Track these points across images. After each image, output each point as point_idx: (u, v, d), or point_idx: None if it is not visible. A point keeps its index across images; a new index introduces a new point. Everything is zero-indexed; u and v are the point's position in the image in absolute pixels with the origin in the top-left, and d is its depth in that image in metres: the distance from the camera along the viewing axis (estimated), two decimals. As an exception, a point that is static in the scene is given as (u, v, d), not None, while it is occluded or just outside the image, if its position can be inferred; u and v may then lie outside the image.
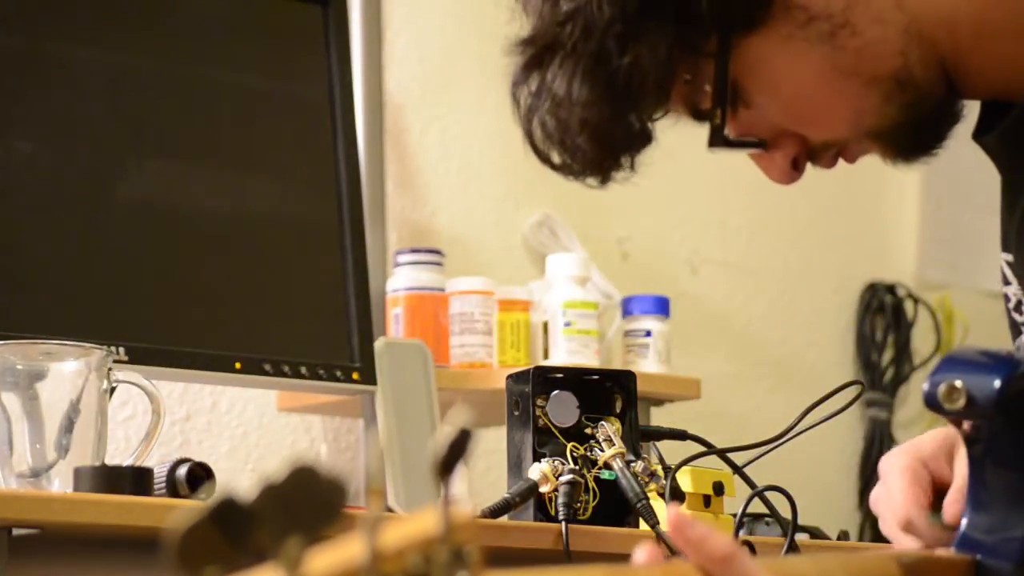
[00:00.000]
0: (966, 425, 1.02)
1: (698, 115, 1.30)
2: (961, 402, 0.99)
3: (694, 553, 0.78)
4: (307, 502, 0.57)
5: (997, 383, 0.99)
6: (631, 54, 1.23)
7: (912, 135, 1.26)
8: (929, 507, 1.14)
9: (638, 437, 1.67)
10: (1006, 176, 1.28)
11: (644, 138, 1.30)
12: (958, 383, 0.99)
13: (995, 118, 1.27)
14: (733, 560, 0.78)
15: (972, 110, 1.30)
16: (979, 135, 1.28)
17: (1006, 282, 1.29)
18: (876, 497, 1.17)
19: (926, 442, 1.18)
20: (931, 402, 1.00)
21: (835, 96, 1.25)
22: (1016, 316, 1.28)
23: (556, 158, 1.32)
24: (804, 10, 1.23)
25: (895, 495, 1.14)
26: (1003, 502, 1.02)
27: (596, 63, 1.24)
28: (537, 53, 1.27)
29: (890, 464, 1.17)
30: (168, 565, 0.55)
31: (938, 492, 1.16)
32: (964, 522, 1.03)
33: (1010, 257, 1.27)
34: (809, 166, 1.34)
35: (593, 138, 1.28)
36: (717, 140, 1.29)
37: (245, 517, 0.56)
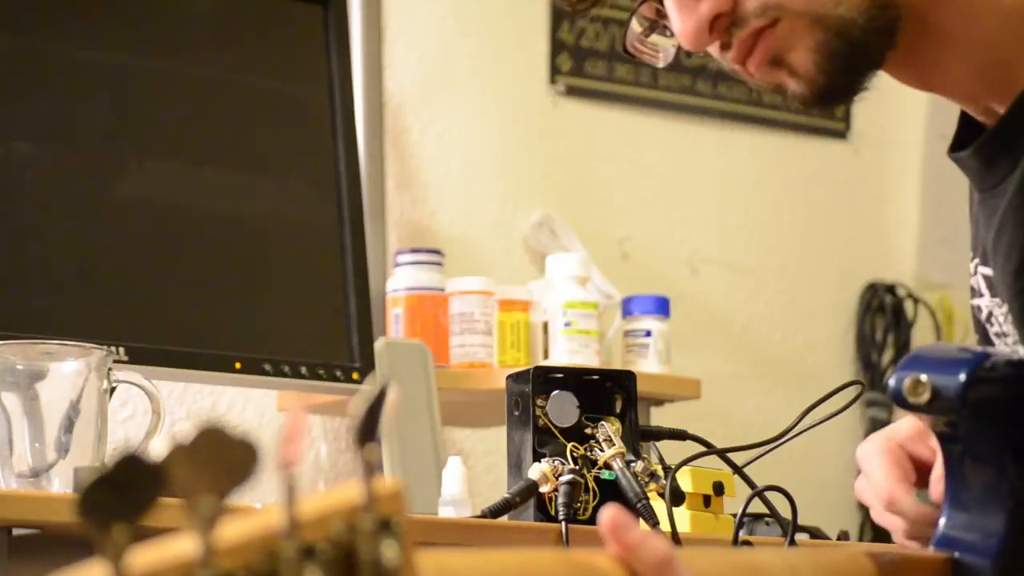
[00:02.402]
0: (941, 423, 1.02)
1: None
2: (926, 396, 0.99)
3: (630, 557, 0.76)
4: (218, 462, 0.56)
5: (962, 377, 0.99)
6: None
7: (845, 47, 1.22)
8: (913, 485, 1.14)
9: (638, 437, 1.67)
10: (982, 192, 1.26)
11: None
12: (923, 377, 0.99)
13: (970, 136, 1.26)
14: (669, 566, 0.77)
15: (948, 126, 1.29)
16: (954, 151, 1.27)
17: (978, 294, 1.28)
18: (859, 487, 1.17)
19: (902, 427, 1.17)
20: (896, 397, 1.00)
21: None
22: (988, 327, 1.28)
23: None
24: None
25: (876, 476, 1.13)
26: (980, 500, 1.02)
27: None
28: None
29: (867, 450, 1.16)
30: (76, 519, 0.54)
31: (920, 472, 1.16)
32: (942, 521, 1.03)
33: (989, 271, 1.27)
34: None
35: None
36: None
37: (155, 476, 0.55)
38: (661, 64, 1.32)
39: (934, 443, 1.10)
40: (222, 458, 0.56)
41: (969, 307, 1.32)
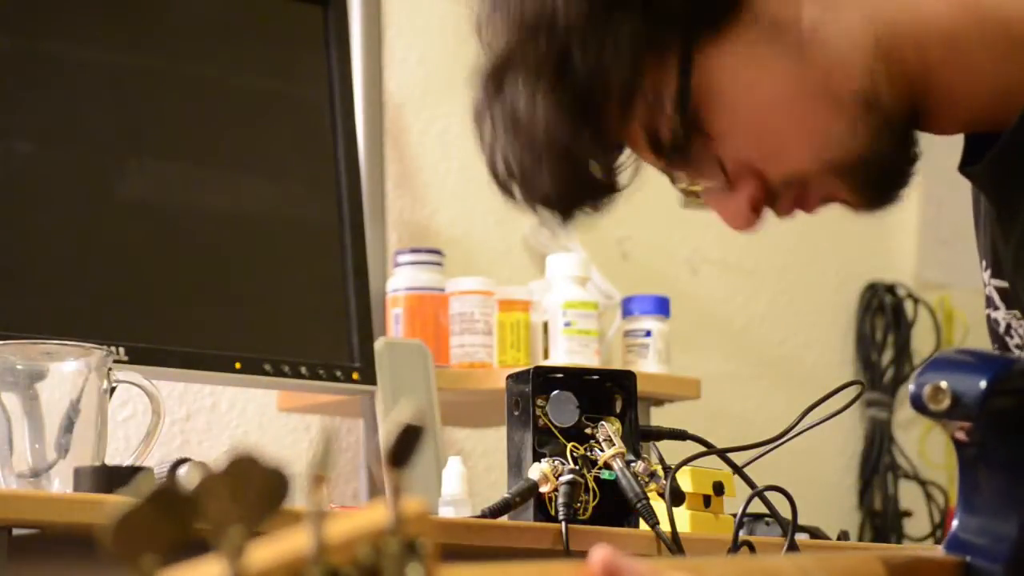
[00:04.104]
0: (958, 429, 1.01)
1: (656, 145, 1.24)
2: (946, 403, 0.98)
3: None
4: (249, 491, 0.56)
5: (983, 384, 0.98)
6: (594, 56, 1.17)
7: (876, 172, 1.23)
8: None
9: (638, 437, 1.67)
10: (997, 206, 1.26)
11: (605, 183, 1.26)
12: (943, 384, 0.98)
13: (980, 149, 1.25)
14: None
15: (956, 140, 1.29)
16: (965, 166, 1.27)
17: (994, 307, 1.28)
18: None
19: None
20: (917, 403, 0.99)
21: (799, 120, 1.20)
22: (1008, 340, 1.27)
23: (518, 192, 1.29)
24: (772, 19, 1.18)
25: None
26: (994, 504, 1.02)
27: (558, 70, 1.18)
28: (498, 73, 1.22)
29: None
30: (105, 553, 0.53)
31: None
32: (955, 524, 1.03)
33: (1003, 283, 1.26)
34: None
35: (553, 167, 1.24)
36: (676, 165, 1.24)
37: (185, 505, 0.55)
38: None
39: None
40: (254, 486, 0.56)
41: (985, 316, 1.30)
